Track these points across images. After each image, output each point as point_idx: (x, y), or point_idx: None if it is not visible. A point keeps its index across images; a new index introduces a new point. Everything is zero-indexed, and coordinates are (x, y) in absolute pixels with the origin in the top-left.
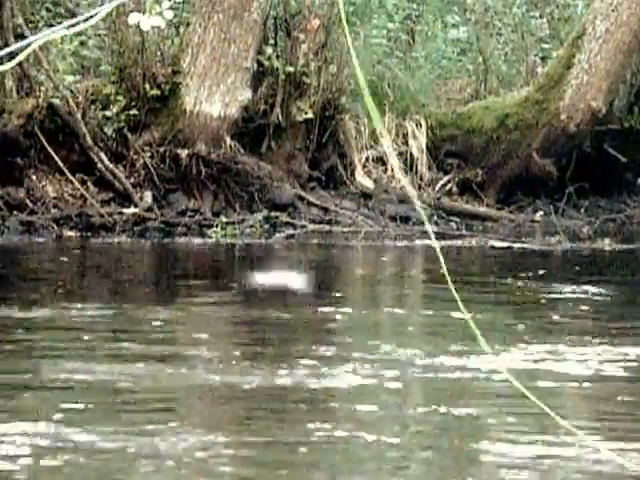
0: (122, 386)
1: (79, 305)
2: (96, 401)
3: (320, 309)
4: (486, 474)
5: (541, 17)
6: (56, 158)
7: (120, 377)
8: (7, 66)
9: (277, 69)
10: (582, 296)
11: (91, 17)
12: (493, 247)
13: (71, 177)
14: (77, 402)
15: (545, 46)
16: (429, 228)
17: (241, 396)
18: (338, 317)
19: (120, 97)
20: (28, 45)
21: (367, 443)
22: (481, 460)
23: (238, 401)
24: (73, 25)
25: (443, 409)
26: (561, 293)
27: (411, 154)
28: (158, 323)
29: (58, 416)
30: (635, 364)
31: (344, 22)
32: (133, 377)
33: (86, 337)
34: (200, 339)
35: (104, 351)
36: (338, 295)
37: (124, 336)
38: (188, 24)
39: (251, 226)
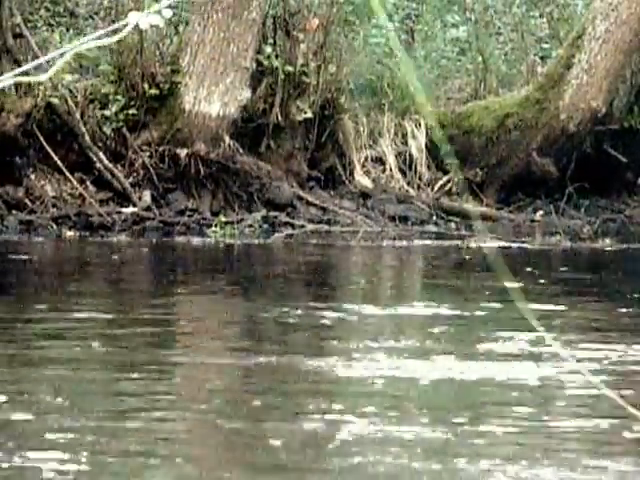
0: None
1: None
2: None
3: (315, 304)
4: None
5: (541, 17)
6: (55, 157)
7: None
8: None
9: (276, 68)
10: None
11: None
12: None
13: (70, 176)
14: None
15: (545, 46)
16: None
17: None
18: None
19: (119, 96)
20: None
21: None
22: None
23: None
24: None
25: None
26: None
27: (410, 154)
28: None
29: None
30: None
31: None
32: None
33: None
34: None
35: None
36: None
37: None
38: (187, 23)
39: (250, 226)
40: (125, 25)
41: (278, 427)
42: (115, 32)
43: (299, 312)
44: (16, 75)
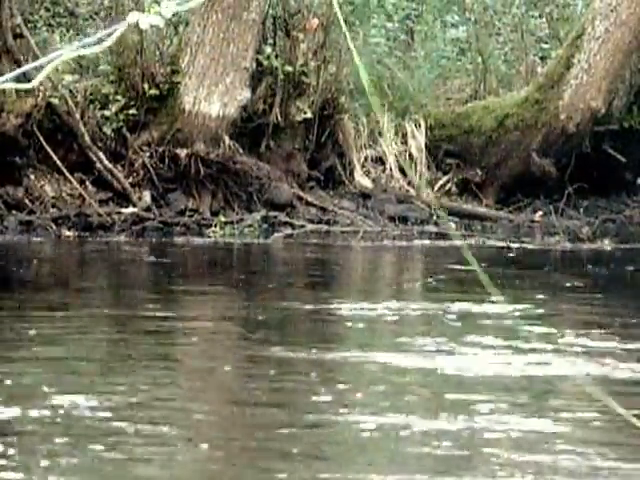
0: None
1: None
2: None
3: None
4: None
5: (540, 17)
6: (55, 158)
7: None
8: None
9: (276, 69)
10: None
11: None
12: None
13: (70, 177)
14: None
15: (544, 46)
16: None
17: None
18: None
19: (119, 97)
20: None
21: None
22: None
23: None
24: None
25: None
26: None
27: (410, 154)
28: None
29: None
30: None
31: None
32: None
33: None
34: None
35: None
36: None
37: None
38: (187, 23)
39: (250, 226)
40: (119, 28)
41: (286, 417)
42: (109, 35)
43: (299, 311)
44: (3, 82)
